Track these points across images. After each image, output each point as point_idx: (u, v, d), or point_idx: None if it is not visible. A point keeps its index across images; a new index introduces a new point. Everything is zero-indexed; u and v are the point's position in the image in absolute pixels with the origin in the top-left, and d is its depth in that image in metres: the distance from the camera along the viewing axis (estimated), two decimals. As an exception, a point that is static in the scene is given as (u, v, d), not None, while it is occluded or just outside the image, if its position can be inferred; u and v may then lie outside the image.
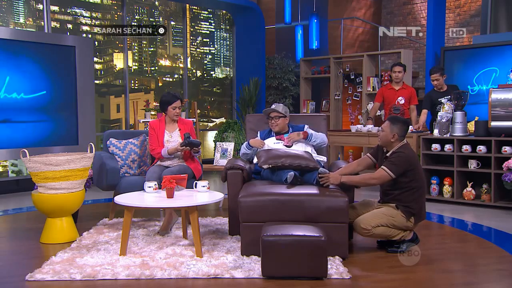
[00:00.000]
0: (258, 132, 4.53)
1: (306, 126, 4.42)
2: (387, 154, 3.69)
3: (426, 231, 4.45)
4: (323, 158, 4.28)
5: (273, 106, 4.42)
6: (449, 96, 5.68)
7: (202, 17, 9.52)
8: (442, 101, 5.66)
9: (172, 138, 4.49)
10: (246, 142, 4.38)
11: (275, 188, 3.65)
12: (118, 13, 8.22)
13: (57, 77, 6.64)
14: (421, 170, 3.72)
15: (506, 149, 5.16)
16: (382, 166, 3.61)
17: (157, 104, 8.21)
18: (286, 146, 4.22)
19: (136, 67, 8.65)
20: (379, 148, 3.83)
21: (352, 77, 8.67)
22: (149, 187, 3.81)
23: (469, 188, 5.52)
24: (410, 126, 6.01)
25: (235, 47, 9.69)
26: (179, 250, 3.63)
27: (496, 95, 5.24)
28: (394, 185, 3.63)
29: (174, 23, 9.11)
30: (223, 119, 9.48)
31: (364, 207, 3.80)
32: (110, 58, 8.36)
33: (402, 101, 6.22)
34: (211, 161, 6.19)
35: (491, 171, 5.26)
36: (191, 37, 9.33)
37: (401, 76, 6.27)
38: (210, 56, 9.67)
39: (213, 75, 9.76)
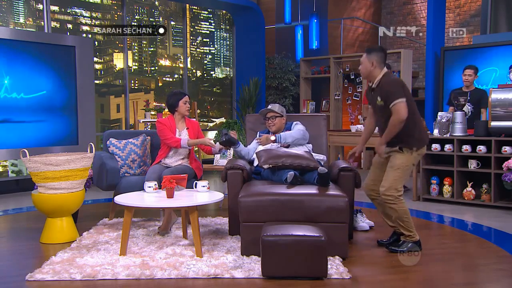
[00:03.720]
0: (258, 132, 4.53)
1: (294, 123, 4.41)
2: (373, 86, 3.63)
3: (426, 231, 4.46)
4: (322, 157, 4.28)
5: (269, 107, 4.42)
6: (466, 98, 5.62)
7: (202, 17, 9.52)
8: (461, 100, 5.61)
9: (181, 137, 4.49)
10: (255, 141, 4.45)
11: (275, 188, 3.65)
12: (118, 13, 8.22)
13: (57, 77, 6.65)
14: (409, 95, 3.59)
15: (506, 149, 5.16)
16: (390, 105, 3.47)
17: (157, 104, 8.22)
18: (283, 146, 4.23)
19: (136, 67, 8.65)
20: (367, 93, 3.79)
21: (352, 77, 8.67)
22: (149, 187, 3.81)
23: (469, 188, 5.52)
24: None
25: (235, 47, 9.69)
26: (179, 250, 3.63)
27: (496, 95, 5.24)
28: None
29: (174, 23, 9.11)
30: (223, 119, 9.48)
31: (379, 171, 3.74)
32: (110, 58, 8.36)
33: None
34: (211, 161, 6.19)
35: (491, 171, 5.26)
36: (191, 37, 9.34)
37: None
38: (210, 56, 9.67)
39: (213, 75, 9.76)
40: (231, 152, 5.59)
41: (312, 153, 4.19)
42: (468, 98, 5.67)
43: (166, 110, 5.40)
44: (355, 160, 4.20)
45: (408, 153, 3.55)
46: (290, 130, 4.36)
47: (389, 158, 3.65)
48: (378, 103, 3.60)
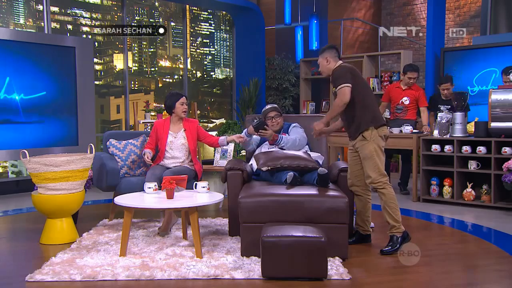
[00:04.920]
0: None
1: (292, 126, 4.42)
2: (331, 77, 3.85)
3: (426, 232, 4.46)
4: (317, 155, 4.26)
5: (268, 107, 4.42)
6: (449, 106, 5.65)
7: (202, 18, 9.53)
8: (442, 109, 5.66)
9: (177, 139, 4.49)
10: (245, 130, 4.43)
11: (275, 188, 3.65)
12: (118, 14, 8.23)
13: (57, 78, 6.64)
14: (361, 81, 3.77)
15: (506, 150, 5.15)
16: (336, 89, 3.70)
17: (157, 105, 8.22)
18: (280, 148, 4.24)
19: (136, 68, 8.65)
20: None
21: (352, 78, 8.66)
22: (149, 187, 3.81)
23: (469, 189, 5.51)
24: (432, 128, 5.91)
25: (235, 48, 9.70)
26: (179, 251, 3.63)
27: (496, 96, 5.24)
28: (349, 117, 3.76)
29: (174, 24, 9.11)
30: (223, 120, 9.49)
31: (354, 166, 3.87)
32: (110, 59, 8.36)
33: (407, 102, 6.10)
34: (211, 161, 6.19)
35: (491, 172, 5.26)
36: (191, 38, 9.34)
37: (415, 81, 6.14)
38: (210, 57, 9.68)
39: (213, 76, 9.77)
40: (231, 153, 5.59)
41: (310, 153, 4.19)
42: (450, 107, 5.68)
43: (166, 111, 5.41)
44: None
45: (369, 137, 3.67)
46: (288, 131, 4.39)
47: (357, 152, 3.81)
48: (332, 90, 3.92)
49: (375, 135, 3.69)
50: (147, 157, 4.36)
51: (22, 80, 6.33)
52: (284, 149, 4.25)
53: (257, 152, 4.29)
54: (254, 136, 4.46)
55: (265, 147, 4.36)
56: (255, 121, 4.29)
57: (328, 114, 3.82)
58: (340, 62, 3.86)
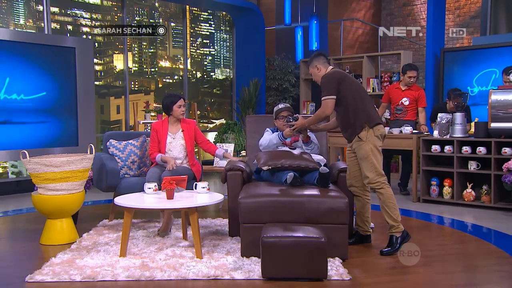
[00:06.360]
0: (269, 129, 4.44)
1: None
2: None
3: (426, 232, 4.46)
4: (321, 157, 4.27)
5: (281, 106, 4.38)
6: (450, 116, 5.64)
7: (202, 18, 9.53)
8: (439, 115, 5.67)
9: (175, 140, 4.48)
10: (279, 133, 4.27)
11: (275, 189, 3.64)
12: (118, 14, 8.23)
13: (57, 78, 6.65)
14: (350, 86, 3.76)
15: (506, 150, 5.16)
16: (321, 99, 3.77)
17: (157, 105, 8.23)
18: (289, 148, 4.22)
19: (136, 68, 8.65)
20: None
21: (352, 78, 8.67)
22: (149, 188, 3.82)
23: (469, 190, 5.51)
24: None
25: (235, 48, 9.70)
26: (179, 251, 3.63)
27: (496, 97, 5.24)
28: (344, 121, 3.79)
29: (174, 24, 9.12)
30: (223, 120, 9.49)
31: (352, 165, 3.89)
32: (110, 59, 8.37)
33: (407, 102, 6.09)
34: (211, 162, 6.19)
35: (491, 172, 5.26)
36: (191, 38, 9.34)
37: (415, 80, 6.11)
38: (210, 57, 9.68)
39: (213, 76, 9.77)
40: (231, 154, 5.58)
41: (311, 155, 4.19)
42: (451, 116, 5.68)
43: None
44: None
45: (365, 137, 3.68)
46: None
47: (355, 153, 3.82)
48: None
49: (370, 134, 3.69)
50: (174, 164, 4.26)
51: (22, 81, 6.34)
52: (308, 150, 4.26)
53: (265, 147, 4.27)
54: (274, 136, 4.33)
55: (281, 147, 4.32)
56: (289, 120, 4.14)
57: (309, 121, 3.96)
58: (330, 67, 3.89)
